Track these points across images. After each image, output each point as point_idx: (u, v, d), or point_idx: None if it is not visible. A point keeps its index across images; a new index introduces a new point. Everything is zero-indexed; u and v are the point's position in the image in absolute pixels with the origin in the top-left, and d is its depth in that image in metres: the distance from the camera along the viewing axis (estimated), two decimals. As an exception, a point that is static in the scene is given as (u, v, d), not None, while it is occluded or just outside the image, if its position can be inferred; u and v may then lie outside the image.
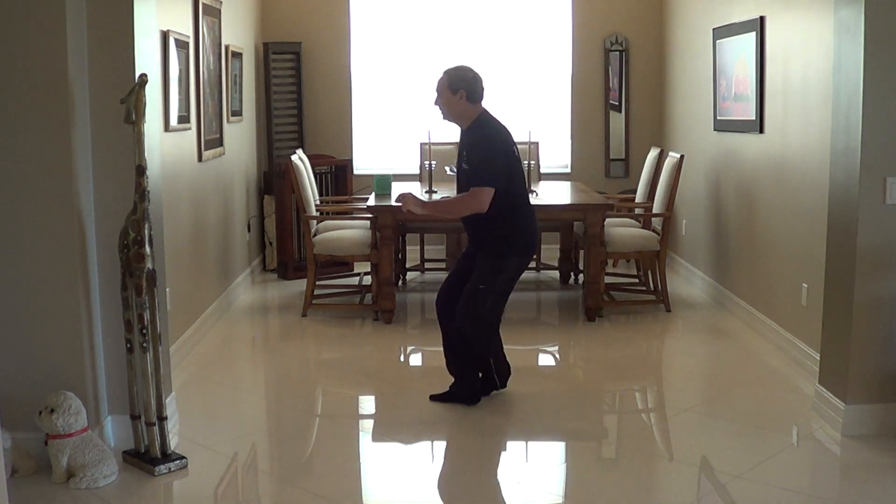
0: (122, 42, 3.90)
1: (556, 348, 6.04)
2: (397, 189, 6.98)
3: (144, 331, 3.76)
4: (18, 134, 3.71)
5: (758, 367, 5.28)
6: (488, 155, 4.43)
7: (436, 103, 4.61)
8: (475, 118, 4.54)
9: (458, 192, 4.70)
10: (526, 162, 6.76)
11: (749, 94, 6.03)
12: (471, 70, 4.59)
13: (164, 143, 4.77)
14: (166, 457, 3.82)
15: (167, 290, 4.44)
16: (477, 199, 4.40)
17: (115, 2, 3.88)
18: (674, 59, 8.10)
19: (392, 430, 4.49)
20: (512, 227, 4.51)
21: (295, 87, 8.18)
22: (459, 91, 4.49)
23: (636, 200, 7.16)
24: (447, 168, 7.08)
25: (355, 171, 8.25)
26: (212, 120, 6.22)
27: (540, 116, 8.32)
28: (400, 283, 7.44)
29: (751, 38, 5.96)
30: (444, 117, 4.62)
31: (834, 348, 4.31)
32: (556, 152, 8.52)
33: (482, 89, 4.56)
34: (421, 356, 5.83)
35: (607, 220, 6.46)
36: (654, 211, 6.66)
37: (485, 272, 4.52)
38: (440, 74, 4.59)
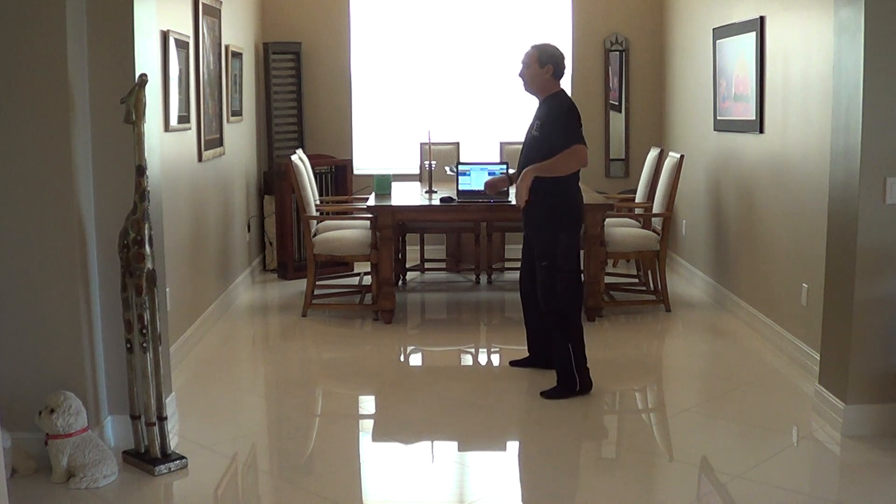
0: (122, 42, 3.90)
1: (556, 348, 6.04)
2: (397, 189, 6.99)
3: (144, 331, 3.76)
4: (18, 134, 3.71)
5: (758, 367, 5.27)
6: (573, 123, 4.69)
7: (520, 74, 4.86)
8: (554, 92, 4.80)
9: (522, 159, 4.86)
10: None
11: (749, 94, 6.03)
12: (557, 48, 4.85)
13: (164, 143, 4.77)
14: (166, 457, 3.82)
15: (167, 290, 4.44)
16: (577, 154, 4.62)
17: (115, 2, 3.89)
18: (674, 59, 8.10)
19: (392, 430, 4.49)
20: (561, 199, 4.74)
21: (295, 87, 8.18)
22: (547, 66, 4.77)
23: (636, 200, 7.16)
24: (447, 168, 7.09)
25: (355, 171, 8.26)
26: (212, 120, 6.22)
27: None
28: (400, 283, 7.44)
29: (751, 38, 5.96)
30: (526, 88, 4.88)
31: (834, 348, 4.31)
32: (556, 152, 8.51)
33: (564, 67, 4.85)
34: (421, 356, 5.82)
35: (607, 220, 6.47)
36: (654, 211, 6.66)
37: (542, 250, 4.77)
38: (528, 48, 4.85)
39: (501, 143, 8.08)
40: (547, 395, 4.72)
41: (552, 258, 4.74)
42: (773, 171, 5.68)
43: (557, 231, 4.74)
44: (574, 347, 4.75)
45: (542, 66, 4.76)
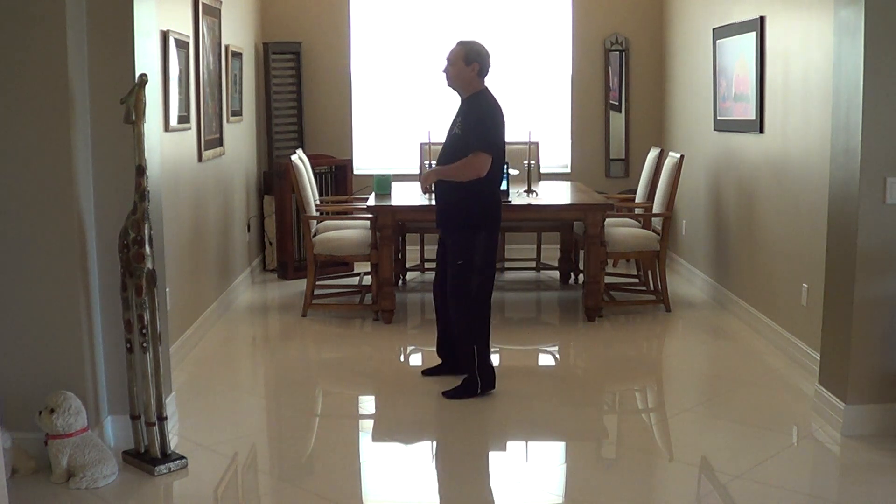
0: (122, 42, 3.90)
1: (556, 348, 6.04)
2: (397, 189, 6.99)
3: (144, 331, 3.76)
4: (18, 134, 3.71)
5: (758, 367, 5.27)
6: (488, 125, 4.64)
7: (444, 70, 4.78)
8: (478, 91, 4.73)
9: (442, 157, 4.82)
10: (526, 161, 6.80)
11: (749, 94, 6.03)
12: (484, 46, 4.78)
13: (164, 143, 4.77)
14: (166, 457, 3.82)
15: (167, 290, 4.44)
16: (475, 163, 4.58)
17: (115, 2, 3.89)
18: (674, 59, 8.10)
19: (392, 430, 4.49)
20: (477, 199, 4.67)
21: (295, 87, 8.18)
22: (473, 64, 4.70)
23: (636, 200, 7.16)
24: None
25: (355, 171, 8.26)
26: (212, 120, 6.22)
27: (540, 116, 8.33)
28: (400, 283, 7.44)
29: (751, 38, 5.96)
30: (449, 84, 4.80)
31: (834, 348, 4.31)
32: (556, 152, 8.52)
33: (490, 66, 4.77)
34: (421, 356, 5.82)
35: (607, 220, 6.46)
36: (654, 211, 6.66)
37: (457, 249, 4.72)
38: (454, 45, 4.77)
39: (501, 143, 8.07)
40: (448, 395, 4.71)
41: (469, 257, 4.68)
42: (773, 171, 5.68)
43: (476, 230, 4.67)
44: (479, 349, 4.72)
45: (467, 65, 4.67)
